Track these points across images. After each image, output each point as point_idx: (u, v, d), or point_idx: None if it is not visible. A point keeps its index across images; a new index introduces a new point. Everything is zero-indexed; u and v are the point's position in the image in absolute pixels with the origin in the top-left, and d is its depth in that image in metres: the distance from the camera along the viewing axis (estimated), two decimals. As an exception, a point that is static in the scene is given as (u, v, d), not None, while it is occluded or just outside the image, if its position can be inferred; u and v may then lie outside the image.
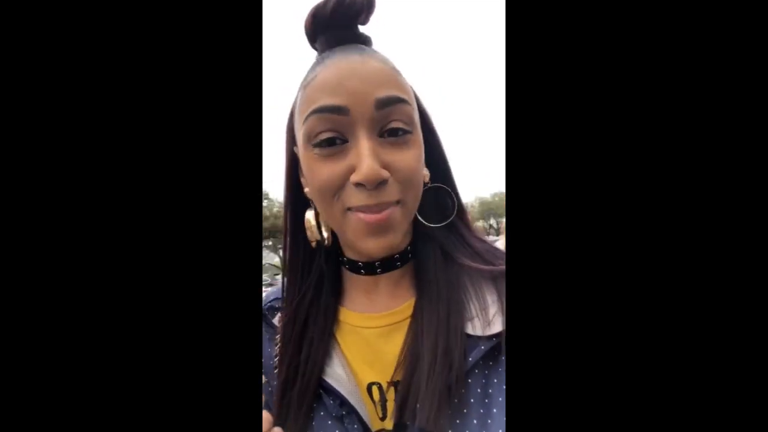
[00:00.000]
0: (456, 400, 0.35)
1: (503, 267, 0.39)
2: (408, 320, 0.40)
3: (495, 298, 0.39)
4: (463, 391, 0.35)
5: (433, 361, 0.35)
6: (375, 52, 0.39)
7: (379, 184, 0.34)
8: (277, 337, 0.45)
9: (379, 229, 0.35)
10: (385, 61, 0.38)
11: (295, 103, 0.40)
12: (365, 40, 0.41)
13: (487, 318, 0.37)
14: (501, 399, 0.36)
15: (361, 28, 0.40)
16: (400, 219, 0.37)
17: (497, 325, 0.37)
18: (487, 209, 27.97)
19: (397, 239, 0.38)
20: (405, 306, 0.41)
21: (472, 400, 0.35)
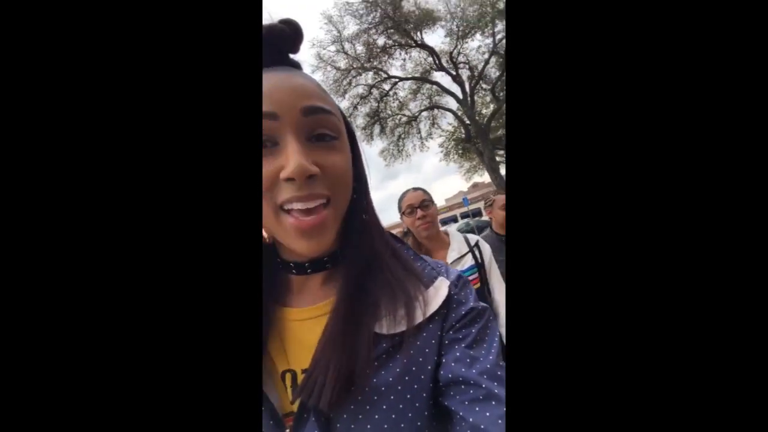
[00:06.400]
0: (360, 392, 0.38)
1: (426, 286, 0.44)
2: (327, 316, 0.42)
3: (404, 301, 0.42)
4: (367, 385, 0.38)
5: (341, 355, 0.38)
6: (303, 73, 0.42)
7: (308, 179, 0.36)
8: None
9: (311, 231, 0.37)
10: (311, 80, 0.41)
11: None
12: (294, 65, 0.44)
13: (395, 319, 0.41)
14: (402, 387, 0.38)
15: (292, 56, 0.44)
16: (331, 221, 0.39)
17: (402, 326, 0.40)
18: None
19: (328, 241, 0.40)
20: (327, 303, 0.44)
21: (383, 389, 0.38)
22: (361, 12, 10.91)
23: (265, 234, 0.44)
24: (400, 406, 0.38)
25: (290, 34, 0.42)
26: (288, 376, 0.42)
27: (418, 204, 1.48)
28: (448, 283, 0.44)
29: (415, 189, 1.54)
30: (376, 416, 0.37)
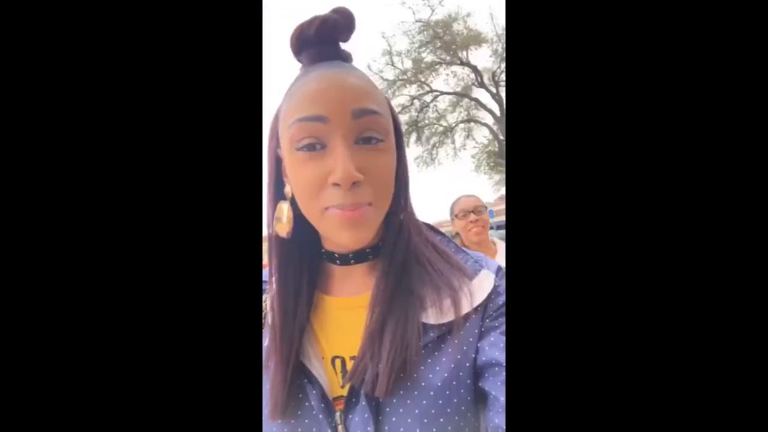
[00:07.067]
0: (409, 379, 0.40)
1: (464, 280, 0.45)
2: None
3: (449, 293, 0.43)
4: (416, 372, 0.40)
5: (391, 344, 0.40)
6: (354, 68, 0.43)
7: (354, 185, 0.38)
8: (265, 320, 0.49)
9: (353, 224, 0.39)
10: (362, 77, 0.42)
11: (280, 108, 0.44)
12: (346, 57, 0.45)
13: (441, 309, 0.43)
14: (448, 374, 0.41)
15: (342, 45, 0.45)
16: (372, 217, 0.41)
17: (449, 315, 0.42)
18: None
19: (368, 234, 0.42)
20: (369, 294, 0.45)
21: (430, 376, 0.40)
22: (413, 32, 11.72)
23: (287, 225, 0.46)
24: (447, 392, 0.40)
25: (343, 23, 0.43)
26: (338, 362, 0.45)
27: (472, 209, 1.54)
28: (493, 276, 0.46)
29: (469, 195, 1.59)
30: (424, 401, 0.40)
